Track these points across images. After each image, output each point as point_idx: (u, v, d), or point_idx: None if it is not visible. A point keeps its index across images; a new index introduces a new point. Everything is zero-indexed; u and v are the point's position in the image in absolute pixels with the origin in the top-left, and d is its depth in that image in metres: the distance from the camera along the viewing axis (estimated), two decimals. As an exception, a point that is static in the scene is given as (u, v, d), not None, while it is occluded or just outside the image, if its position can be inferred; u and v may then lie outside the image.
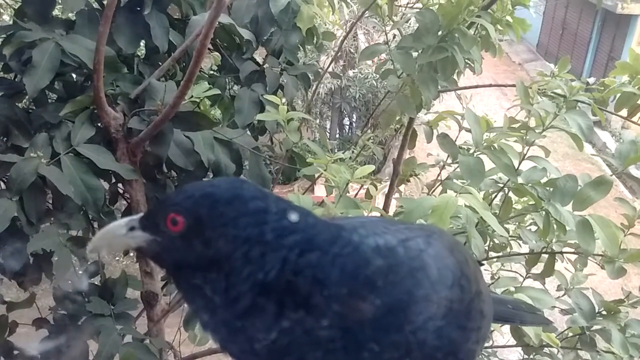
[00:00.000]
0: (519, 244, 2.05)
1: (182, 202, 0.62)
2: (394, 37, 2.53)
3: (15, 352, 1.97)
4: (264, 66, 2.22)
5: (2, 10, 2.50)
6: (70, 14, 1.90)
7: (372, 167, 1.70)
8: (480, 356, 2.04)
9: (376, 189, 1.89)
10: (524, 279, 1.99)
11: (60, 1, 1.83)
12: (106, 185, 1.94)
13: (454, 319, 0.67)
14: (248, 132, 2.20)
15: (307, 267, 0.60)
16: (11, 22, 1.88)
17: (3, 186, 1.78)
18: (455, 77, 2.06)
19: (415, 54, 1.98)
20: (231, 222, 0.60)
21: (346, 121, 9.23)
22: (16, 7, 2.00)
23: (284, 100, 1.90)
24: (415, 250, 0.67)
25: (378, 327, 0.61)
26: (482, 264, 1.08)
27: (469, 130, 1.76)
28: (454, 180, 1.86)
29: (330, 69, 3.17)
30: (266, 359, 0.62)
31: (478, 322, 0.74)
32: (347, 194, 1.75)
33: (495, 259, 2.00)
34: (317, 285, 0.60)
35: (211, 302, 0.62)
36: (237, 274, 0.60)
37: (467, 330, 0.70)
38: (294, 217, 0.63)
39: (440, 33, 1.88)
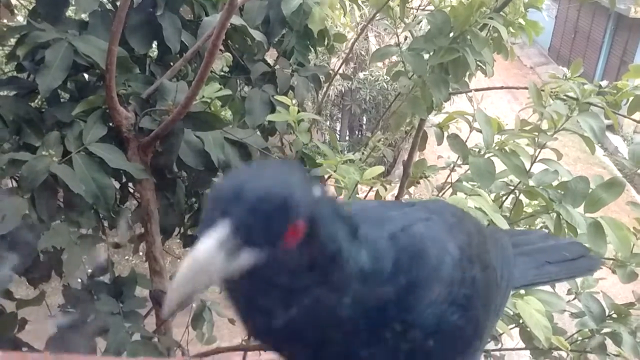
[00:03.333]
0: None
1: (301, 204, 0.50)
2: (405, 39, 2.53)
3: (24, 349, 1.99)
4: (275, 67, 2.23)
5: (16, 11, 2.52)
6: (83, 15, 1.91)
7: (381, 169, 1.70)
8: (490, 359, 2.03)
9: (386, 191, 1.89)
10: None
11: (73, 2, 1.85)
12: (117, 184, 1.95)
13: (467, 300, 0.65)
14: (258, 133, 2.21)
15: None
16: (25, 23, 1.90)
17: (15, 184, 1.79)
18: (466, 79, 2.06)
19: (426, 56, 1.98)
20: (326, 218, 0.54)
21: (356, 123, 9.23)
22: (30, 8, 2.02)
23: (294, 101, 1.90)
24: (418, 234, 0.66)
25: (400, 307, 0.59)
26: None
27: (479, 131, 1.75)
28: (464, 183, 1.86)
29: (341, 71, 3.16)
30: (283, 338, 0.59)
31: (490, 299, 0.72)
32: (357, 195, 1.75)
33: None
34: (341, 263, 0.56)
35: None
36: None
37: (483, 308, 0.69)
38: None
39: (451, 35, 1.88)
